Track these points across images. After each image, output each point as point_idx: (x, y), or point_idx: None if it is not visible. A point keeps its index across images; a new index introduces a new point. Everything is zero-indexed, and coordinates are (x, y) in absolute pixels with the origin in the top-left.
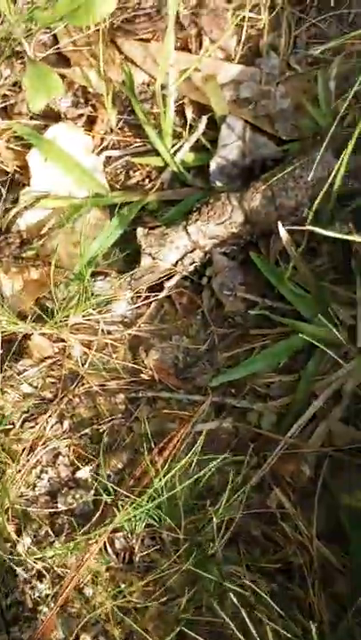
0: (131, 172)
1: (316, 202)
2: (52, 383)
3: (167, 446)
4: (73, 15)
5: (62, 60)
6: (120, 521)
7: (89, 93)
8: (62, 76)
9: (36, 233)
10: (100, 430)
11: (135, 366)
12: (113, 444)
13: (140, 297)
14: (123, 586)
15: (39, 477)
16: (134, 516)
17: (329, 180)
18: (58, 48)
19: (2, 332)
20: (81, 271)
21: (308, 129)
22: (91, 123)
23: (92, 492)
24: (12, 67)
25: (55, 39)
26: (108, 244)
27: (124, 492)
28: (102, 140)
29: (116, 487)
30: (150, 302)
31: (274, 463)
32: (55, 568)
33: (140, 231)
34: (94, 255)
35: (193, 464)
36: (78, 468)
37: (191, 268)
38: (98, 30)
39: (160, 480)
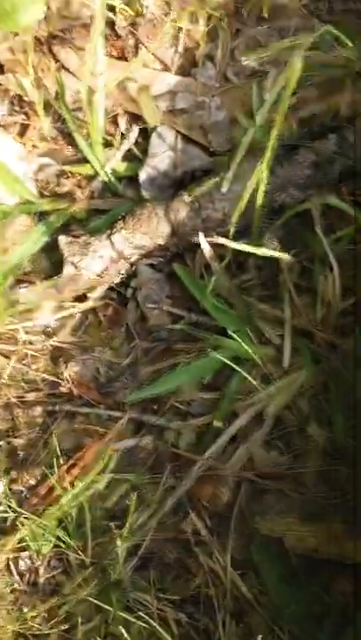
0: (62, 180)
1: (235, 215)
2: None
3: (78, 463)
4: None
5: None
6: (21, 539)
7: (24, 101)
8: None
9: None
10: (15, 444)
11: (54, 379)
12: (28, 458)
13: (64, 307)
14: (25, 609)
15: None
16: (40, 535)
17: (248, 194)
18: None
19: None
20: (1, 277)
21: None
22: (24, 130)
23: (1, 507)
24: None
25: None
26: (33, 250)
27: (24, 511)
28: (34, 147)
29: (16, 505)
30: (74, 313)
31: (192, 485)
32: None
33: (62, 239)
34: (18, 262)
35: (105, 484)
36: None
37: (117, 279)
38: (35, 37)
39: (68, 498)
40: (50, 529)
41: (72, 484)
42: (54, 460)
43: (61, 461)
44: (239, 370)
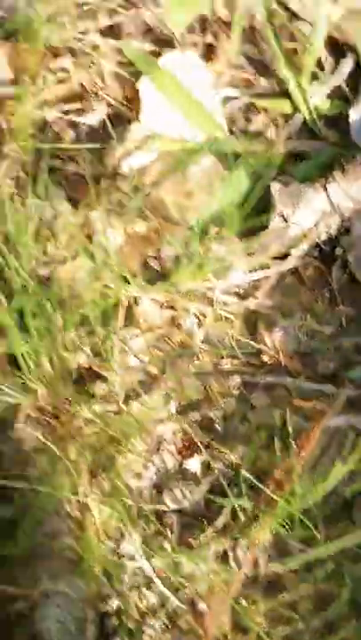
0: (251, 116)
1: None
2: (160, 357)
3: (306, 445)
4: None
5: None
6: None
7: (207, 20)
8: None
9: (140, 179)
10: (211, 416)
11: (254, 345)
12: (225, 433)
13: (262, 266)
14: (244, 603)
15: (145, 467)
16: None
17: None
18: None
19: (106, 295)
20: (198, 228)
21: None
22: (209, 52)
23: (204, 487)
24: None
25: None
26: (230, 199)
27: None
28: (220, 75)
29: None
30: (272, 272)
31: None
32: (169, 575)
33: (275, 186)
34: (213, 212)
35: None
36: (186, 458)
37: (324, 235)
38: None
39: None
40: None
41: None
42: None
43: (276, 441)
44: None
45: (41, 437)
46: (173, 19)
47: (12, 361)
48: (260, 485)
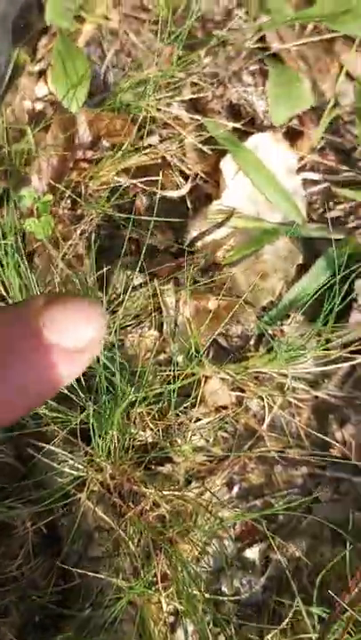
0: (330, 204)
1: None
2: (225, 439)
3: None
4: (336, 19)
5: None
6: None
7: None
8: None
9: (214, 254)
10: (274, 503)
11: (322, 437)
12: (287, 523)
13: (334, 356)
14: None
15: (204, 551)
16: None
17: None
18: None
19: (175, 371)
20: (275, 312)
21: None
22: (291, 137)
23: (263, 580)
24: (214, 55)
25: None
26: (309, 288)
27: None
28: (301, 159)
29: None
30: (346, 364)
31: None
32: None
33: (358, 284)
34: (293, 298)
35: None
36: (246, 546)
37: None
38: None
39: None
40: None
41: None
42: (323, 532)
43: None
44: None
45: (103, 516)
46: (276, 113)
47: (74, 433)
48: (333, 594)
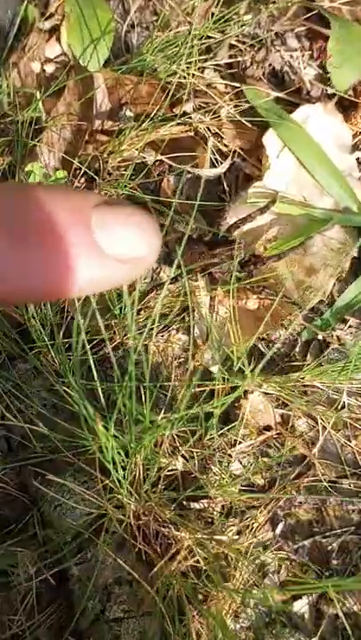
0: None
1: None
2: (267, 466)
3: None
4: None
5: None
6: None
7: None
8: None
9: (255, 245)
10: (326, 545)
11: None
12: (342, 569)
13: None
14: None
15: (243, 604)
16: None
17: None
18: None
19: (214, 384)
20: (328, 316)
21: None
22: (344, 111)
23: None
24: (255, 13)
25: None
26: None
27: None
28: (356, 135)
29: None
30: None
31: None
32: None
33: None
34: (349, 299)
35: None
36: (294, 597)
37: None
38: None
39: None
40: None
41: None
42: None
43: None
44: None
45: (125, 565)
46: (339, 77)
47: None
48: None
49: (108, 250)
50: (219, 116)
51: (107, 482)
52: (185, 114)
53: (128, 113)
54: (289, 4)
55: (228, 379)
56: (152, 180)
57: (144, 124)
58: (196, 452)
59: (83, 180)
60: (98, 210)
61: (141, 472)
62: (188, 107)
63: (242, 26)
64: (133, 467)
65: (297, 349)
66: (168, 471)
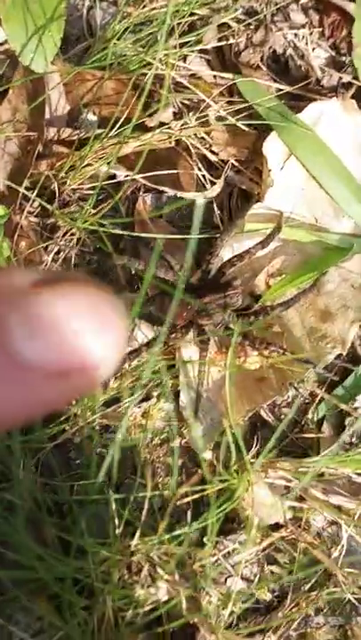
0: None
1: None
2: (275, 576)
3: None
4: None
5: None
6: None
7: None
8: None
9: (251, 284)
10: None
11: None
12: None
13: None
14: None
15: None
16: None
17: None
18: None
19: (207, 486)
20: (351, 385)
21: None
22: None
23: None
24: None
25: None
26: None
27: None
28: None
29: None
30: None
31: None
32: None
33: None
34: None
35: None
36: None
37: None
38: None
39: None
40: None
41: None
42: None
43: None
44: None
45: None
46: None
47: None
48: None
49: (34, 358)
50: (206, 118)
51: (59, 625)
52: (162, 124)
53: (91, 117)
54: None
55: (224, 479)
56: (123, 205)
57: (111, 133)
58: (185, 572)
59: (34, 206)
60: (24, 297)
61: (110, 613)
62: (166, 114)
63: (235, 0)
64: (100, 609)
65: (309, 415)
66: (146, 605)
